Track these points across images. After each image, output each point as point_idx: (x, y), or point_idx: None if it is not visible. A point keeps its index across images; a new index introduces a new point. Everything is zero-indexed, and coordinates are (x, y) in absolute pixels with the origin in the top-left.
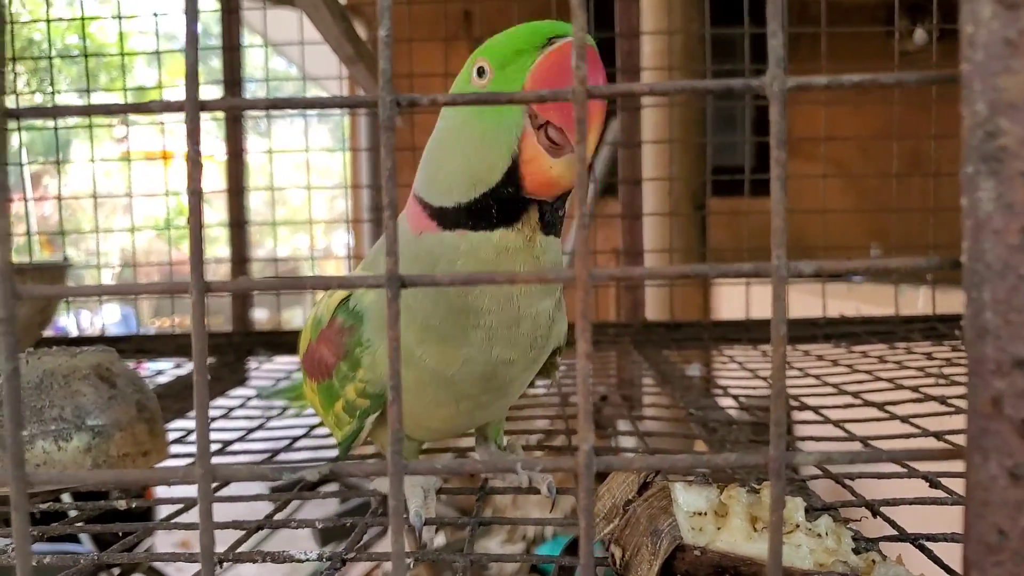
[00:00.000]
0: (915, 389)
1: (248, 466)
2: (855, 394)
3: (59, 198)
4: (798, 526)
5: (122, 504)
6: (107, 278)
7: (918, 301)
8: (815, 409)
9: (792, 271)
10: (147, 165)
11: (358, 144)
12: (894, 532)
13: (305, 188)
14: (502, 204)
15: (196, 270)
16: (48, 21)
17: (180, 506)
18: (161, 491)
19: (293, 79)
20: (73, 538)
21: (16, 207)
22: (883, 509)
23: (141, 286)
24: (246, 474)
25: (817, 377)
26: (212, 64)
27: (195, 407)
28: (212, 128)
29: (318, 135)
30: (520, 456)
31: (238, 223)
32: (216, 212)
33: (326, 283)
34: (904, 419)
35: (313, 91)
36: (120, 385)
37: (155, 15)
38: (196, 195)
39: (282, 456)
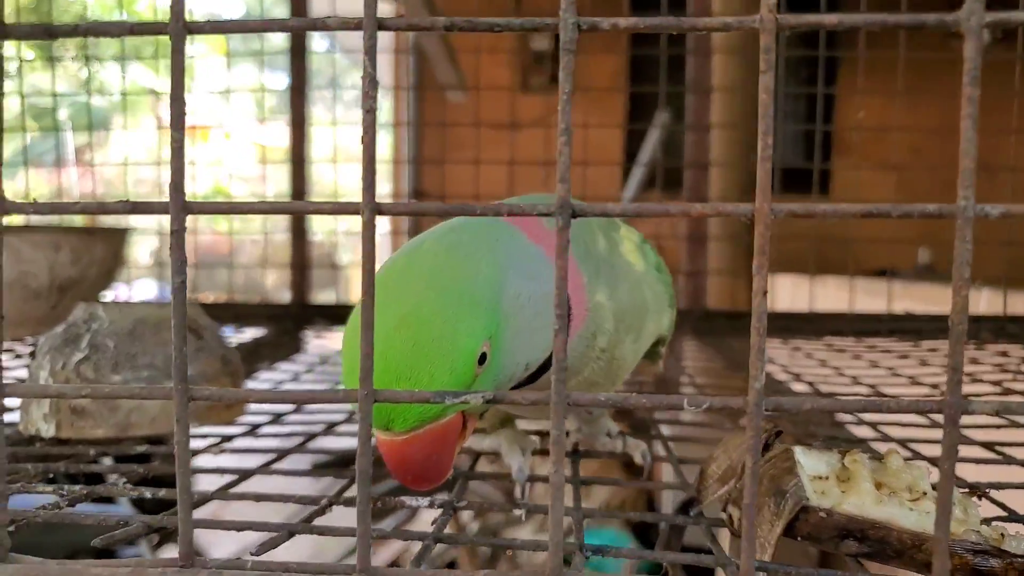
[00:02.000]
0: (997, 383)
1: (409, 392)
2: (933, 386)
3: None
4: (925, 494)
5: (214, 451)
6: (144, 254)
7: (980, 303)
8: (894, 398)
9: (978, 212)
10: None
11: (400, 118)
12: (1004, 513)
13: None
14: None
15: (368, 191)
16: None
17: (234, 477)
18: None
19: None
20: (109, 502)
21: (62, 178)
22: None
23: (312, 205)
24: (406, 397)
25: (889, 369)
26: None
27: (362, 328)
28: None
29: (354, 113)
30: (612, 427)
31: (299, 194)
32: (276, 185)
33: (496, 210)
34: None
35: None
36: (207, 338)
37: None
38: (371, 113)
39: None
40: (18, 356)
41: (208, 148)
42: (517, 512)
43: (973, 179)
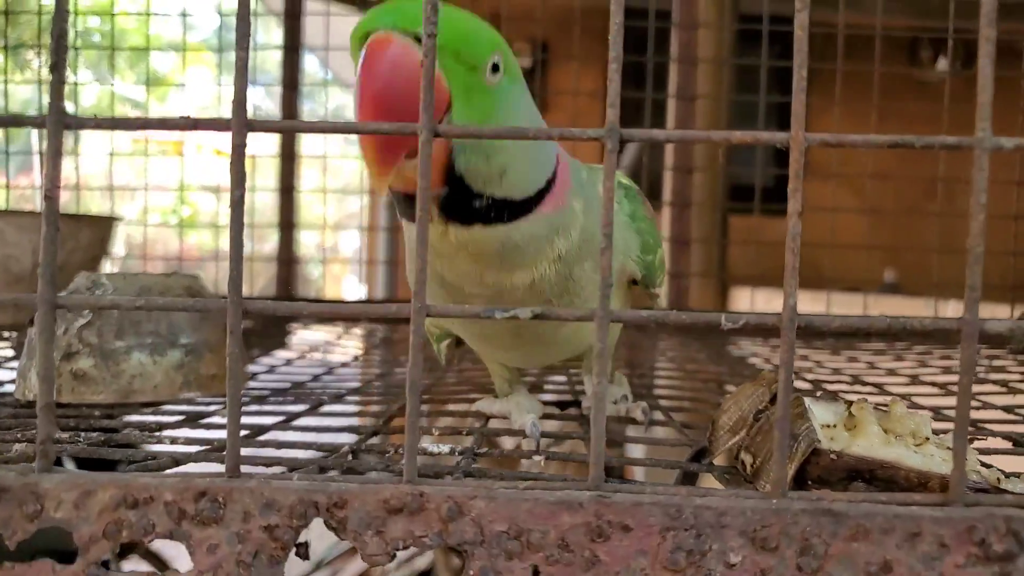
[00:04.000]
0: (1004, 383)
1: (459, 307)
2: (943, 385)
3: (77, 187)
4: (928, 439)
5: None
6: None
7: (947, 312)
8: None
9: (994, 144)
10: (160, 156)
11: None
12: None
13: (320, 191)
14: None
15: (427, 112)
16: (76, 13)
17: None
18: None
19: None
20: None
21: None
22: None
23: (371, 125)
24: (457, 311)
25: (888, 370)
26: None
27: (418, 244)
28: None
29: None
30: (625, 387)
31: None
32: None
33: (548, 133)
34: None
35: (339, 94)
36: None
37: (183, 15)
38: (431, 33)
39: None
40: (2, 339)
41: (183, 162)
42: (537, 458)
43: (989, 112)
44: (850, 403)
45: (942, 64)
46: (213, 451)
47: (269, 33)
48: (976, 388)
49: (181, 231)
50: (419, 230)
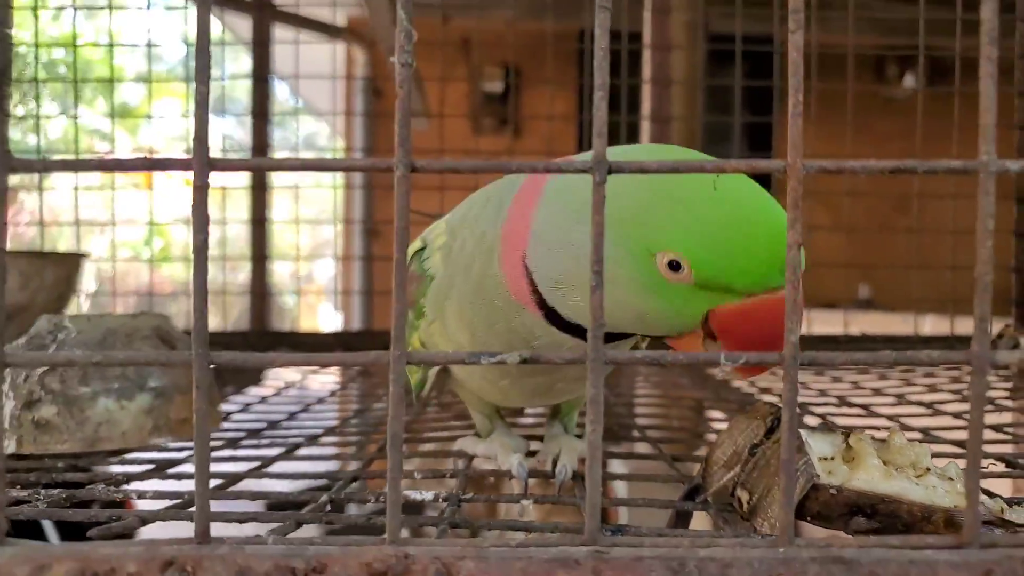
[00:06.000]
0: (990, 400)
1: (443, 353)
2: (929, 404)
3: (41, 223)
4: (928, 470)
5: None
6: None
7: (925, 326)
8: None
9: (998, 167)
10: (130, 190)
11: (352, 180)
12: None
13: (293, 222)
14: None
15: (402, 147)
16: (37, 45)
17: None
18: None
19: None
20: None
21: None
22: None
23: (344, 162)
24: (442, 358)
25: (874, 390)
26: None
27: (395, 287)
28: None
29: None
30: (579, 448)
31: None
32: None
33: (532, 167)
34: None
35: (309, 122)
36: (179, 348)
37: (148, 45)
38: (406, 67)
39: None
40: None
41: (151, 195)
42: (524, 503)
43: (993, 135)
44: (847, 434)
45: (909, 81)
46: (183, 507)
47: (238, 61)
48: (960, 407)
49: (152, 264)
50: (396, 273)
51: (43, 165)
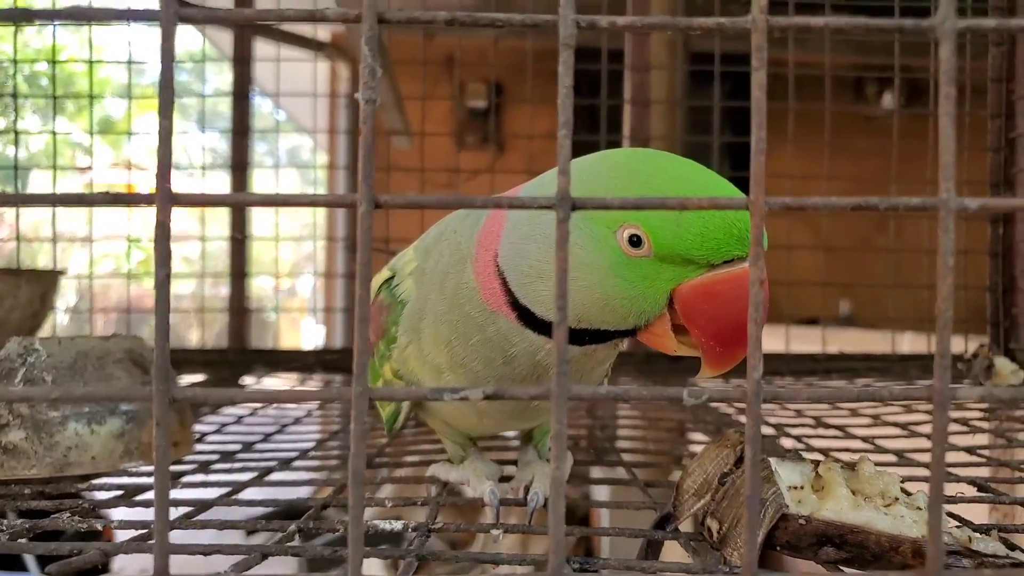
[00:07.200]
0: (964, 421)
1: (405, 389)
2: (904, 426)
3: (17, 238)
4: (897, 499)
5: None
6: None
7: (903, 344)
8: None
9: (957, 205)
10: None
11: (336, 162)
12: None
13: (273, 239)
14: (596, 334)
15: (366, 182)
16: (15, 61)
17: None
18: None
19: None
20: (18, 563)
21: None
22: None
23: (307, 197)
24: (403, 394)
25: (850, 411)
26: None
27: (357, 322)
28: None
29: (288, 178)
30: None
31: (240, 274)
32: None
33: (496, 202)
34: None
35: (295, 138)
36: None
37: (129, 63)
38: (370, 103)
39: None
40: None
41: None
42: (495, 532)
43: (953, 172)
44: (817, 463)
45: (887, 100)
46: (145, 539)
47: (222, 74)
48: None
49: (128, 279)
50: (359, 308)
51: (22, 199)
